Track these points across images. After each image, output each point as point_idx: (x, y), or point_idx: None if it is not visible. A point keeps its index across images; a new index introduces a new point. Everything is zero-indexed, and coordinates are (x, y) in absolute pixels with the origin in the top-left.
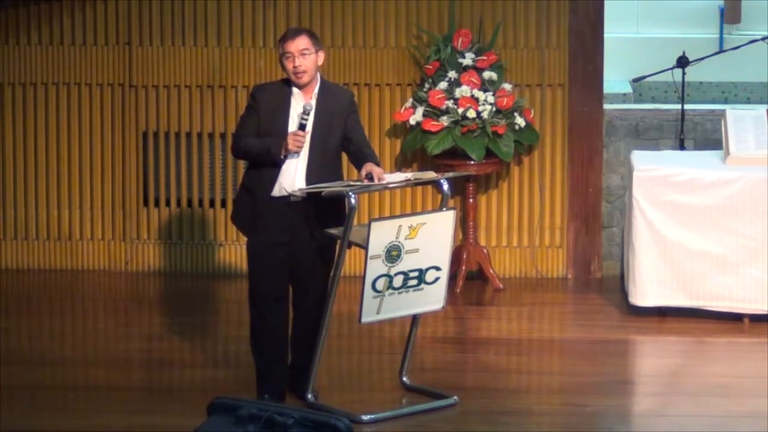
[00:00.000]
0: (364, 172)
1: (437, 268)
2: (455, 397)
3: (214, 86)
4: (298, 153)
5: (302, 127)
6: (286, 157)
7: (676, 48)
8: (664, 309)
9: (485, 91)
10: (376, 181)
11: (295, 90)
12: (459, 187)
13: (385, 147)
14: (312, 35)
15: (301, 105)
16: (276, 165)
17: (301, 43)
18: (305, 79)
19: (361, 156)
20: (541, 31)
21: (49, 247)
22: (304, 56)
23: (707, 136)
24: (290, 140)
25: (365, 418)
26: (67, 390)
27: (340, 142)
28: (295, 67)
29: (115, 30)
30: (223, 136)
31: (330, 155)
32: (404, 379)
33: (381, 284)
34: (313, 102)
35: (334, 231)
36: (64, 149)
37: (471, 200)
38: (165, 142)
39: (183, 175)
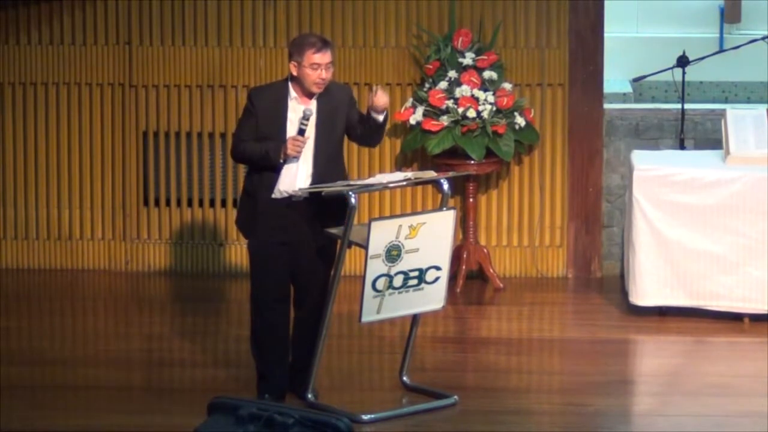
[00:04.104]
0: (370, 100)
1: (437, 268)
2: (455, 397)
3: (214, 86)
4: (297, 157)
5: (301, 132)
6: (285, 161)
7: (676, 47)
8: (664, 308)
9: (485, 90)
10: (378, 95)
11: (293, 92)
12: (459, 186)
13: (385, 146)
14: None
15: (299, 108)
16: (275, 169)
17: (329, 56)
18: (322, 90)
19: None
20: (541, 30)
21: (49, 247)
22: (328, 69)
23: (707, 136)
24: (289, 145)
25: (365, 417)
26: (67, 390)
27: (342, 137)
28: (322, 79)
29: (115, 30)
30: (223, 135)
31: (334, 153)
32: (404, 378)
33: (381, 284)
34: (313, 106)
35: (334, 230)
36: (64, 149)
37: (471, 200)
38: (165, 142)
39: (183, 175)
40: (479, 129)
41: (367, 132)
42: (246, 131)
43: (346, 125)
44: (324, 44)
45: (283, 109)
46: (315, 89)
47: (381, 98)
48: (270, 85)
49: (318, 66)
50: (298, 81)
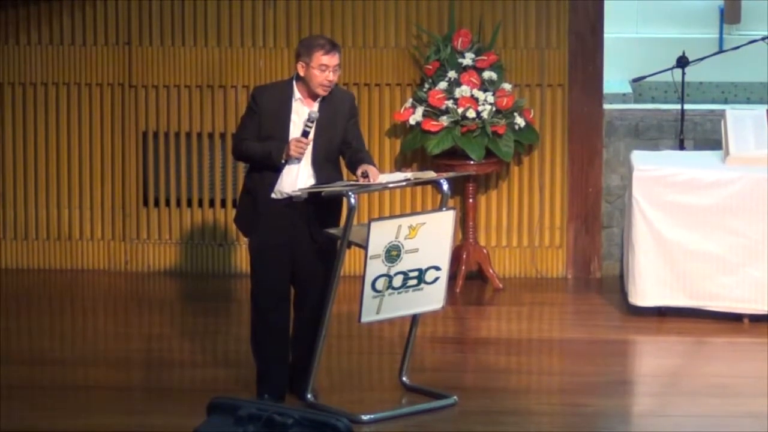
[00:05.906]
0: (359, 171)
1: (437, 268)
2: (455, 397)
3: (214, 86)
4: (299, 159)
5: (305, 134)
6: (286, 162)
7: (676, 48)
8: (663, 309)
9: (485, 91)
10: (371, 180)
11: (297, 93)
12: (459, 187)
13: (385, 147)
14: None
15: (303, 109)
16: (277, 169)
17: (337, 58)
18: (327, 92)
19: (356, 159)
20: (541, 31)
21: (49, 247)
22: (335, 72)
23: (707, 136)
24: (293, 147)
25: (365, 418)
26: (67, 390)
27: (342, 141)
28: (329, 81)
29: (115, 30)
30: (223, 136)
31: (333, 157)
32: (404, 379)
33: (381, 284)
34: (316, 107)
35: (333, 231)
36: (64, 149)
37: (471, 200)
38: (165, 142)
39: (183, 175)
40: (479, 129)
41: (348, 165)
42: (248, 130)
43: (343, 134)
44: (333, 46)
45: (286, 110)
46: (321, 91)
47: (374, 177)
48: (274, 84)
49: (326, 67)
50: (303, 82)
